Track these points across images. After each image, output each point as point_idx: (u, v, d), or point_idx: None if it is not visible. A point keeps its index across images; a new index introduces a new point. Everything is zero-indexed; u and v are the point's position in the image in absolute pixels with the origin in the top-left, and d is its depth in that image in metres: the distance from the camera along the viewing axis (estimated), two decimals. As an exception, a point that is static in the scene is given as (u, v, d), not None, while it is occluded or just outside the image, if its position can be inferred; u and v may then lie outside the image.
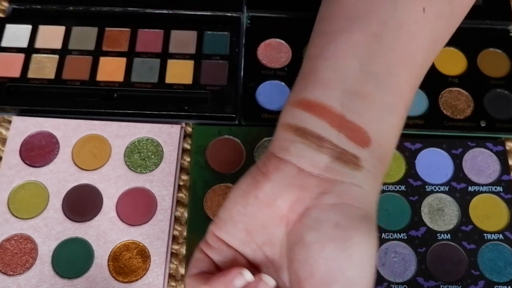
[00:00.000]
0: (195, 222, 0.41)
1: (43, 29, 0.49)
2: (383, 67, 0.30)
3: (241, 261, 0.30)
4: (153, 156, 0.44)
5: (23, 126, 0.45)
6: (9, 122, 0.46)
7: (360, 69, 0.30)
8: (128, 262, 0.40)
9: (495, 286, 0.40)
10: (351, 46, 0.30)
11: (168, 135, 0.45)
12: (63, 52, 0.47)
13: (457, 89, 0.47)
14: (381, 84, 0.30)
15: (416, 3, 0.31)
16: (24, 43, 0.48)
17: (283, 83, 0.47)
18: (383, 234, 0.41)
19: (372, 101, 0.30)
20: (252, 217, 0.29)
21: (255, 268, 0.30)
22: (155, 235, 0.41)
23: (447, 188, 0.43)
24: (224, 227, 0.30)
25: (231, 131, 0.45)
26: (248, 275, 0.28)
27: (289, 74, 0.47)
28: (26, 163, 0.43)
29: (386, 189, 0.43)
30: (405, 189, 0.43)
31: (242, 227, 0.30)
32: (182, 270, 0.41)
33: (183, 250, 0.41)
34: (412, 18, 0.31)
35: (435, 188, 0.43)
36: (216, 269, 0.30)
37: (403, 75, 0.30)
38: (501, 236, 0.41)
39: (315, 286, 0.26)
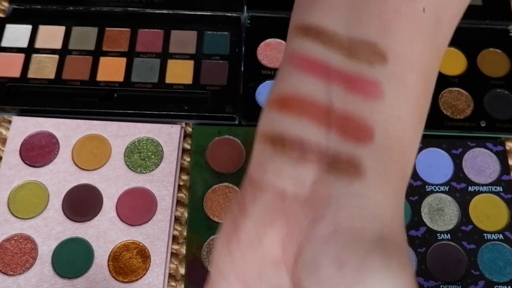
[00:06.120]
0: (195, 222, 0.41)
1: (43, 29, 0.49)
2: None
3: None
4: (153, 156, 0.44)
5: (23, 126, 0.45)
6: (9, 122, 0.46)
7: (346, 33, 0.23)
8: (128, 262, 0.40)
9: (495, 286, 0.40)
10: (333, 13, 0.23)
11: (168, 135, 0.45)
12: (63, 52, 0.47)
13: (457, 89, 0.47)
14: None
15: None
16: (24, 43, 0.48)
17: (283, 83, 0.47)
18: (383, 234, 0.41)
19: None
20: (241, 266, 0.23)
21: None
22: (155, 235, 0.41)
23: (447, 188, 0.43)
24: (217, 286, 0.24)
25: (231, 131, 0.45)
26: None
27: (289, 74, 0.47)
28: (26, 163, 0.43)
29: (386, 189, 0.43)
30: (405, 189, 0.43)
31: (234, 279, 0.23)
32: (182, 270, 0.41)
33: (183, 250, 0.41)
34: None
35: (435, 188, 0.43)
36: None
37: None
38: (501, 236, 0.41)
39: None
